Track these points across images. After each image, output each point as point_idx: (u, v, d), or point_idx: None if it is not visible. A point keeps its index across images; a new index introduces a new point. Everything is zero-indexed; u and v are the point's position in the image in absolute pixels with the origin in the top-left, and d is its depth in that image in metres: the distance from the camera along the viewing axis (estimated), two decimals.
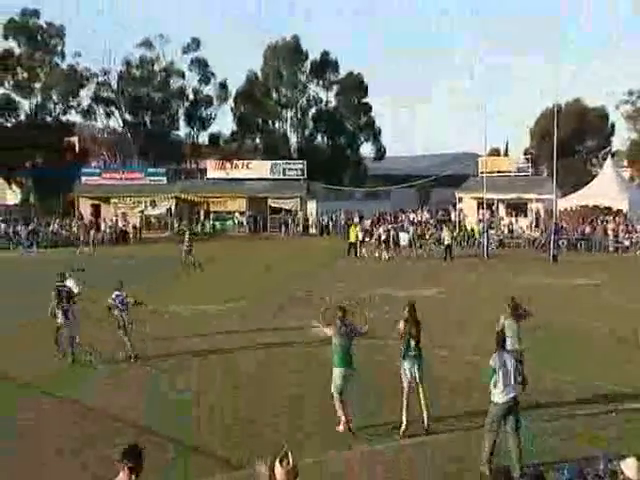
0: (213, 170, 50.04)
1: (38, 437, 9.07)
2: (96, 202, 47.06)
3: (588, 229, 35.44)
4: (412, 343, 8.98)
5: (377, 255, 30.57)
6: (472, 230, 39.01)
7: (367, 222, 40.56)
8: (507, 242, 36.98)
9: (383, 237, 30.79)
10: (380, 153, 66.15)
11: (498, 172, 42.82)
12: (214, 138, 64.25)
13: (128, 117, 60.47)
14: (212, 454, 8.47)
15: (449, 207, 48.55)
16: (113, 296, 12.98)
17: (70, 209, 47.66)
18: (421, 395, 9.05)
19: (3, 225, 41.03)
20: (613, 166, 41.61)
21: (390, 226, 33.63)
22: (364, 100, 63.89)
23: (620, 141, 62.45)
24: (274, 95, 62.46)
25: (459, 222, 41.65)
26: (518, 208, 42.35)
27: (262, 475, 4.33)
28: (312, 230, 47.10)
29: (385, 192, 54.98)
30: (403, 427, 8.92)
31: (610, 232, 34.56)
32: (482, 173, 37.85)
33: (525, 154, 49.06)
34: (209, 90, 61.89)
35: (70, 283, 13.44)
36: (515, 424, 7.69)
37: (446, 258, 29.27)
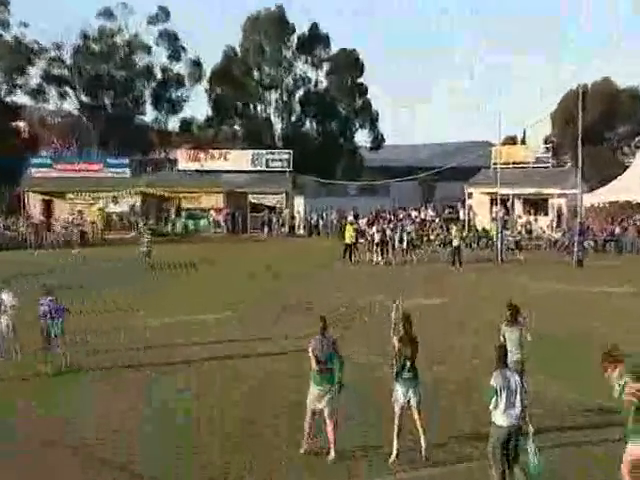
0: (185, 161, 50.04)
1: None
2: (47, 198, 46.94)
3: (618, 229, 35.67)
4: (407, 364, 9.15)
5: (369, 259, 30.69)
6: (484, 230, 39.25)
7: (363, 221, 40.68)
8: (525, 244, 37.16)
9: (376, 239, 30.90)
10: (377, 141, 66.44)
11: (514, 163, 43.08)
12: (186, 124, 64.27)
13: (85, 99, 60.37)
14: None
15: (457, 204, 48.82)
16: (41, 302, 13.38)
17: (16, 206, 47.40)
18: (417, 423, 9.22)
19: None
20: None
21: (385, 226, 33.67)
22: (359, 80, 64.16)
23: None
24: (255, 74, 62.57)
25: (468, 221, 41.83)
26: (537, 205, 42.61)
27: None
28: (299, 230, 47.17)
29: (383, 187, 55.13)
30: (392, 457, 9.11)
31: None
32: (495, 164, 38.09)
33: (545, 142, 49.35)
34: (180, 68, 62.13)
35: (4, 296, 13.98)
36: (515, 454, 7.81)
37: (454, 262, 29.39)
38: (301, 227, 47.50)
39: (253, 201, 47.35)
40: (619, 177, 41.39)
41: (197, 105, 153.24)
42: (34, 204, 47.06)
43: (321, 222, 47.12)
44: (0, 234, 40.34)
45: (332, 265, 29.88)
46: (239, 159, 49.53)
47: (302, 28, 62.47)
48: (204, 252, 35.16)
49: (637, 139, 57.80)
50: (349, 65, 62.84)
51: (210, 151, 50.27)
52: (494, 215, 39.20)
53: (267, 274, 27.11)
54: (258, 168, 48.85)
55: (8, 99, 57.52)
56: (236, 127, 64.28)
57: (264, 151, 50.61)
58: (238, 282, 25.30)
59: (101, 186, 46.46)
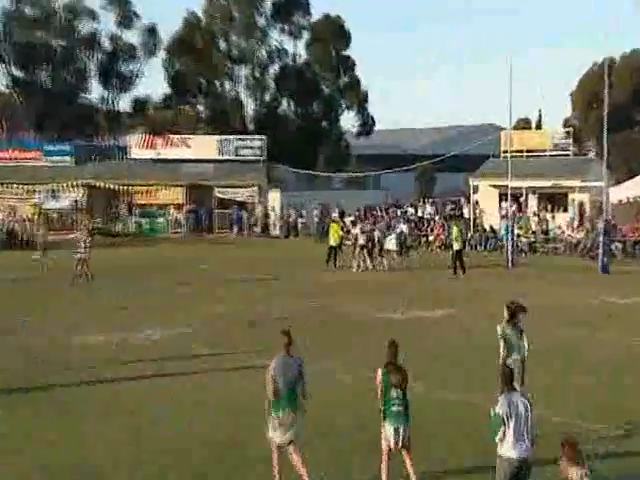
0: (138, 148, 49.84)
1: None
2: None
3: None
4: (394, 393, 9.03)
5: (349, 265, 30.50)
6: (492, 230, 39.30)
7: (349, 219, 40.58)
8: (540, 246, 37.18)
9: (361, 241, 30.59)
10: (367, 126, 66.59)
11: (528, 151, 43.22)
12: (139, 104, 64.07)
13: (17, 73, 60.03)
14: None
15: (460, 199, 48.80)
16: None
17: None
18: (407, 463, 9.11)
19: None
20: None
21: (370, 226, 33.46)
22: (345, 53, 64.21)
23: None
24: (222, 45, 62.47)
25: (474, 219, 41.83)
26: (555, 200, 42.66)
27: None
28: (275, 230, 47.02)
29: (374, 178, 55.08)
30: None
31: None
32: (506, 152, 38.12)
33: (565, 126, 49.60)
34: (132, 37, 61.99)
35: None
36: None
37: (455, 270, 29.03)
38: (277, 226, 47.34)
39: (220, 196, 47.17)
40: None
41: (152, 82, 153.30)
42: None
43: (300, 221, 46.99)
44: None
45: (311, 271, 29.69)
46: (203, 146, 49.33)
47: None
48: (159, 257, 34.89)
49: None
50: (333, 35, 62.94)
51: (168, 136, 50.06)
52: (504, 212, 39.24)
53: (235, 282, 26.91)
54: (226, 157, 48.68)
55: None
56: (199, 108, 64.13)
57: (233, 137, 50.46)
58: (206, 292, 25.05)
59: (38, 178, 46.19)
